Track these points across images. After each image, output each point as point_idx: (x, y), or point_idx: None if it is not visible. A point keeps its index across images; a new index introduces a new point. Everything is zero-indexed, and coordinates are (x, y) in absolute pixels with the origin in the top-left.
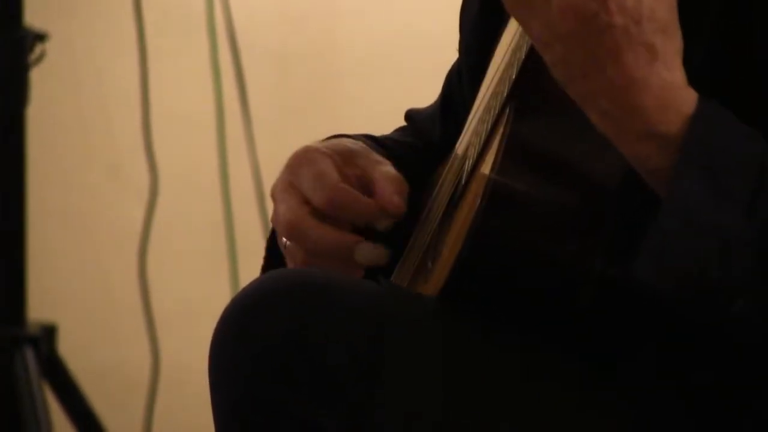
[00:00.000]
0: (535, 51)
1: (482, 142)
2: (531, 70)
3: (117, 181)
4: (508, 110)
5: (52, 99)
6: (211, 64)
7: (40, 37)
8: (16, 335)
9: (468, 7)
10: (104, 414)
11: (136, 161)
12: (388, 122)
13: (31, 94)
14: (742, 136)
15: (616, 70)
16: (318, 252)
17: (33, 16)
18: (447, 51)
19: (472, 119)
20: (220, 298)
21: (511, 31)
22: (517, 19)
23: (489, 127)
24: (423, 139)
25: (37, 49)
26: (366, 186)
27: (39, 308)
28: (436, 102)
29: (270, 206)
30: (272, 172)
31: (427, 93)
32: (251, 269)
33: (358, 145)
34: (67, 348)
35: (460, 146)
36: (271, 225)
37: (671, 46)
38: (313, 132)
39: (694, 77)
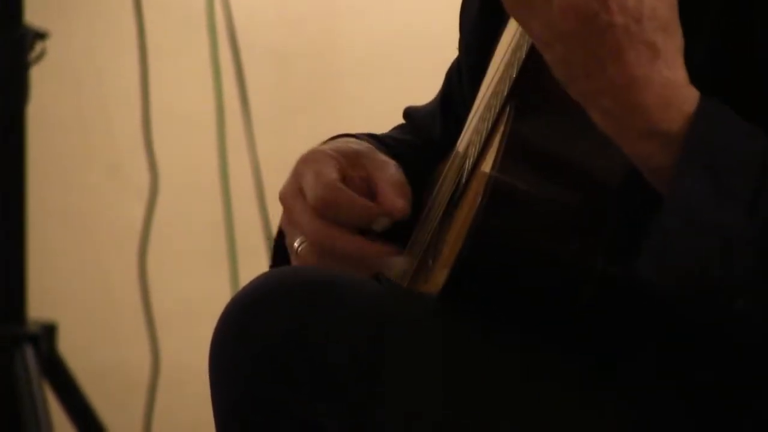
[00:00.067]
0: (535, 50)
1: (483, 140)
2: (531, 68)
3: (117, 180)
4: (508, 109)
5: (52, 98)
6: (211, 63)
7: (40, 36)
8: (16, 334)
9: (468, 7)
10: (104, 413)
11: (136, 160)
12: (388, 122)
13: (31, 93)
14: (744, 134)
15: (617, 69)
16: (345, 260)
17: (33, 15)
18: (447, 51)
19: (472, 118)
20: (220, 298)
21: (511, 30)
22: (517, 20)
23: (490, 125)
24: (422, 136)
25: (37, 48)
26: (370, 188)
27: (39, 307)
28: (435, 99)
29: (270, 205)
30: (272, 171)
31: (426, 93)
32: (251, 268)
33: (364, 145)
34: (67, 347)
35: (461, 145)
36: (272, 225)
37: (672, 45)
38: (313, 131)
39: (694, 76)
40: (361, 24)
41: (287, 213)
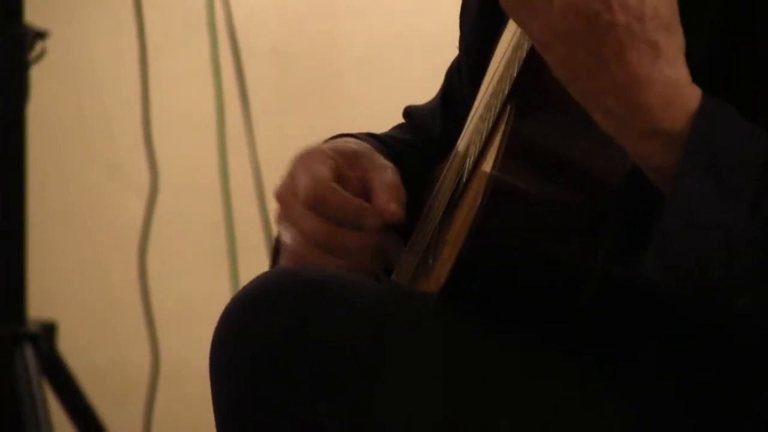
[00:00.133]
0: (536, 49)
1: (483, 140)
2: (532, 68)
3: (117, 179)
4: (509, 108)
5: (52, 97)
6: (211, 63)
7: (41, 35)
8: (16, 333)
9: (468, 7)
10: (104, 412)
11: (136, 160)
12: (387, 121)
13: (31, 93)
14: (746, 133)
15: (619, 69)
16: (338, 254)
17: (33, 14)
18: (447, 51)
19: (472, 117)
20: (220, 297)
21: (511, 29)
22: (518, 21)
23: (490, 125)
24: (422, 135)
25: (38, 47)
26: (366, 189)
27: (39, 307)
28: (435, 98)
29: (270, 205)
30: (272, 170)
31: (426, 92)
32: (251, 268)
33: (363, 146)
34: (66, 346)
35: (461, 144)
36: (272, 224)
37: (674, 44)
38: (313, 130)
39: (695, 74)
40: (361, 24)
41: (282, 209)
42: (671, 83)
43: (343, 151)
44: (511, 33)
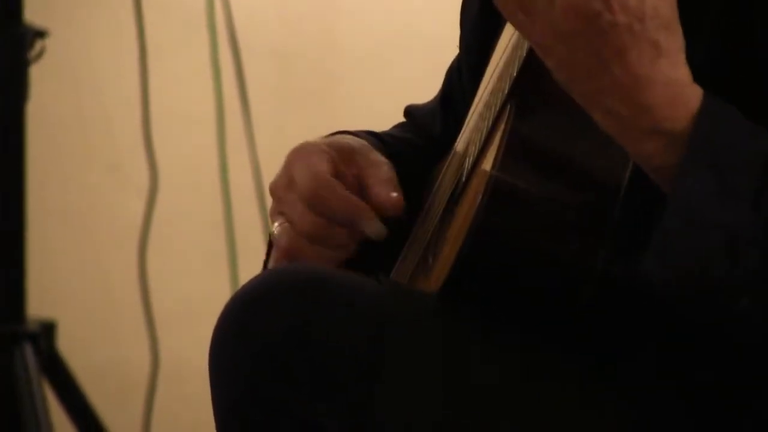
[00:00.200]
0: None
1: (483, 139)
2: (532, 67)
3: (117, 179)
4: (509, 107)
5: (52, 96)
6: (211, 63)
7: (40, 34)
8: (15, 332)
9: (468, 7)
10: (103, 411)
11: (135, 159)
12: (387, 121)
13: (31, 92)
14: (747, 133)
15: (620, 69)
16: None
17: (33, 13)
18: (447, 51)
19: (471, 116)
20: (220, 296)
21: (511, 29)
22: (517, 25)
23: (490, 124)
24: (422, 134)
25: (37, 46)
26: (361, 185)
27: (39, 306)
28: (435, 98)
29: (270, 205)
30: (272, 170)
31: (426, 92)
32: (251, 267)
33: (359, 142)
34: (66, 346)
35: (460, 143)
36: (271, 222)
37: (675, 43)
38: (312, 130)
39: (695, 76)
40: (360, 24)
41: (276, 203)
42: (672, 83)
43: (339, 147)
44: (510, 32)
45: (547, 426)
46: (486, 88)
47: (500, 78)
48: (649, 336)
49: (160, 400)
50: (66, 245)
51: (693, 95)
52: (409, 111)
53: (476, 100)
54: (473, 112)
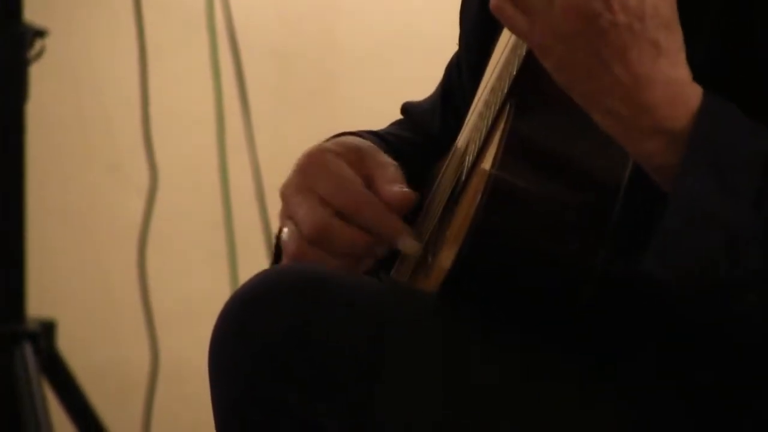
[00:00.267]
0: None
1: (483, 138)
2: (531, 66)
3: (117, 178)
4: (508, 106)
5: (52, 96)
6: (210, 63)
7: (40, 34)
8: (15, 331)
9: (467, 5)
10: (103, 411)
11: (135, 159)
12: (387, 121)
13: (31, 91)
14: (748, 131)
15: (621, 68)
16: (340, 252)
17: (32, 13)
18: (446, 51)
19: (471, 115)
20: (220, 296)
21: None
22: (515, 30)
23: (489, 123)
24: (421, 132)
25: (37, 46)
26: (371, 187)
27: (38, 306)
28: (434, 94)
29: (270, 204)
30: (272, 170)
31: (426, 93)
32: (251, 267)
33: (366, 144)
34: (66, 345)
35: (460, 141)
36: (272, 224)
37: (674, 43)
38: (312, 130)
39: (695, 77)
40: (360, 24)
41: (287, 207)
42: (673, 82)
43: (350, 149)
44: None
45: (547, 426)
46: (486, 87)
47: (500, 77)
48: (649, 336)
49: (160, 400)
50: (66, 245)
51: (693, 94)
52: (407, 108)
53: (476, 98)
54: (473, 111)
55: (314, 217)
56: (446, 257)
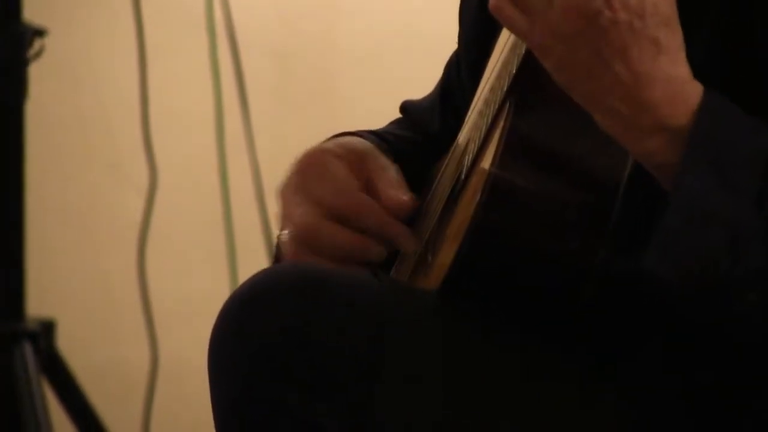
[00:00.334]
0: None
1: (482, 136)
2: (531, 65)
3: (116, 178)
4: (508, 105)
5: (51, 95)
6: (210, 62)
7: (39, 33)
8: (15, 331)
9: (467, 4)
10: (103, 411)
11: (135, 159)
12: (387, 121)
13: (30, 90)
14: (748, 129)
15: (622, 67)
16: (332, 255)
17: (32, 12)
18: (446, 50)
19: (471, 114)
20: (219, 296)
21: None
22: (515, 29)
23: (489, 121)
24: (420, 131)
25: (36, 45)
26: (370, 189)
27: (38, 305)
28: (433, 93)
29: (269, 204)
30: (272, 170)
31: (425, 92)
32: (250, 267)
33: (367, 145)
34: (66, 345)
35: (460, 140)
36: (272, 224)
37: (675, 41)
38: (312, 130)
39: (694, 76)
40: (360, 24)
41: (285, 208)
42: (673, 80)
43: (350, 150)
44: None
45: (547, 426)
46: (485, 85)
47: (499, 76)
48: (649, 336)
49: (160, 399)
50: (65, 244)
51: (693, 92)
52: (406, 107)
53: (476, 97)
54: (472, 110)
55: (307, 219)
56: (446, 256)
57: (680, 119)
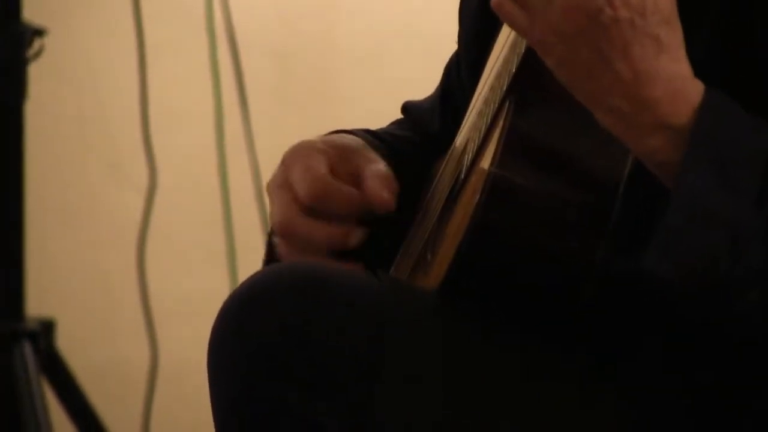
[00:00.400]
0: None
1: (482, 136)
2: (531, 64)
3: (116, 177)
4: (507, 104)
5: (51, 95)
6: (210, 62)
7: (39, 33)
8: (14, 330)
9: (467, 3)
10: (103, 410)
11: (135, 158)
12: (386, 121)
13: (30, 90)
14: (750, 127)
15: (623, 65)
16: (307, 249)
17: (32, 12)
18: (445, 50)
19: (470, 113)
20: (219, 295)
21: None
22: (516, 27)
23: (488, 121)
24: (420, 131)
25: (36, 45)
26: (357, 183)
27: (38, 305)
28: (434, 94)
29: (269, 204)
30: (271, 169)
31: (426, 92)
32: (250, 266)
33: (356, 141)
34: (65, 344)
35: (459, 140)
36: (269, 222)
37: (675, 39)
38: (311, 130)
39: (694, 75)
40: (360, 23)
41: (270, 203)
42: (674, 78)
43: (336, 145)
44: (509, 29)
45: (547, 426)
46: (485, 84)
47: (499, 75)
48: (649, 335)
49: (160, 399)
50: (65, 244)
51: (694, 90)
52: (407, 107)
53: (475, 97)
54: (472, 109)
55: (284, 216)
56: (445, 255)
57: (681, 117)
